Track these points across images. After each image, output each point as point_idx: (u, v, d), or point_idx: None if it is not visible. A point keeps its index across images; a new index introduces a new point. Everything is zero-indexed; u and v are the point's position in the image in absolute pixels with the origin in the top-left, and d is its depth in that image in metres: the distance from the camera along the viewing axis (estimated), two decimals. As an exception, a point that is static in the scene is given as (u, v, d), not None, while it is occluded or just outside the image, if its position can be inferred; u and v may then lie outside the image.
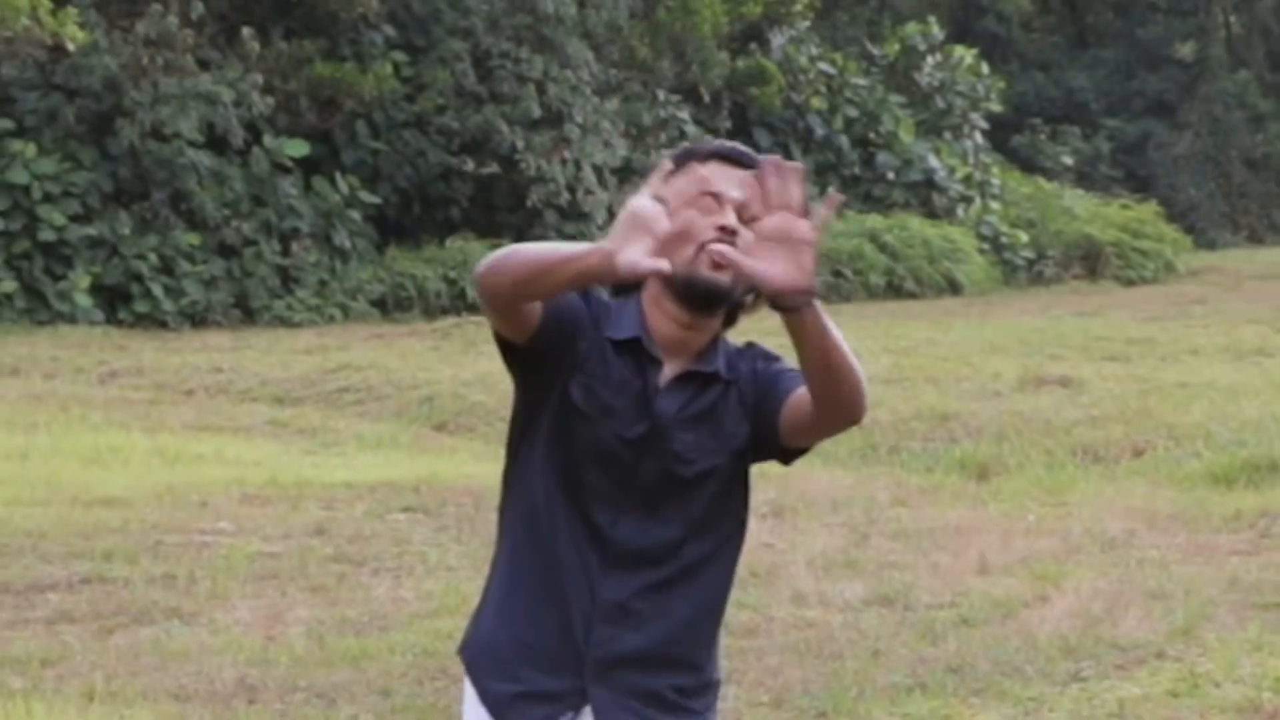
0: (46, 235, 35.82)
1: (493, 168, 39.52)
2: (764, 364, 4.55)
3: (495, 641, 4.53)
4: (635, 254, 4.00)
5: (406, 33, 40.81)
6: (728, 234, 4.33)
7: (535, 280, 4.21)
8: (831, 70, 49.34)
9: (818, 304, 4.17)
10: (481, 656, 4.55)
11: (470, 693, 4.55)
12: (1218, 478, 16.37)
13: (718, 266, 4.32)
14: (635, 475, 4.46)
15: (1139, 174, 63.69)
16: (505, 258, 4.25)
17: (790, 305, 4.12)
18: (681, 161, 4.50)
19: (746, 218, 4.33)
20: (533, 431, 4.56)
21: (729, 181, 4.43)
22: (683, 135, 44.71)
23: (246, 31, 38.27)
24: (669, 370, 4.49)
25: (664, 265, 4.00)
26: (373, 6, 39.60)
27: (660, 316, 4.48)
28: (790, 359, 4.46)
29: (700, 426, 4.48)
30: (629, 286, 4.49)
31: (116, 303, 36.32)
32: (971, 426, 19.24)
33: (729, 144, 4.58)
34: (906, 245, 45.30)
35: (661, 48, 44.15)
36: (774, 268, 4.08)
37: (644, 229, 4.03)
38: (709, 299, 4.41)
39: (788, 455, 4.58)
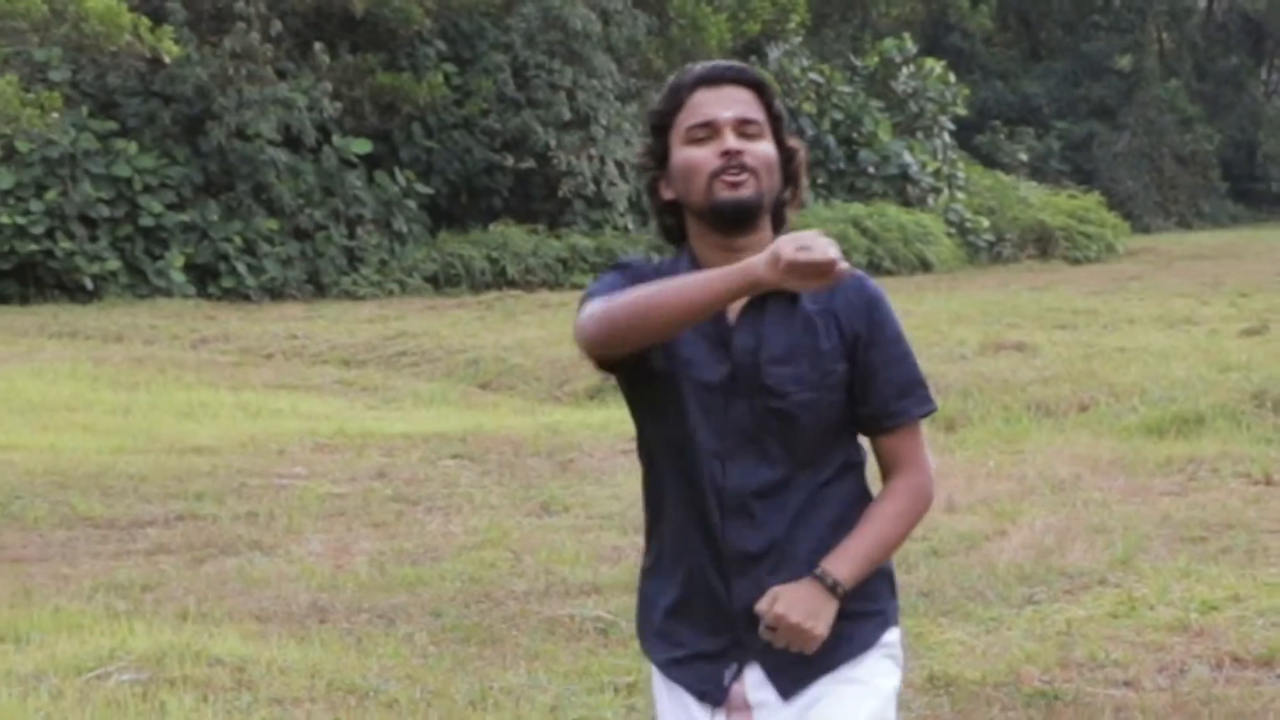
0: (146, 221, 35.89)
1: (529, 163, 39.55)
2: (878, 320, 3.95)
3: (651, 615, 4.06)
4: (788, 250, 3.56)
5: (455, 47, 40.82)
6: (732, 156, 3.83)
7: (681, 325, 3.75)
8: (820, 79, 49.28)
9: (853, 561, 3.95)
10: (646, 631, 4.09)
11: (653, 671, 4.13)
12: (1151, 429, 16.33)
13: (733, 186, 3.81)
14: (728, 417, 3.87)
15: (1084, 168, 63.62)
16: (623, 320, 3.74)
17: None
18: (673, 99, 3.92)
19: (747, 133, 3.86)
20: (638, 406, 4.00)
21: (718, 104, 3.87)
22: (692, 135, 44.72)
23: (318, 46, 38.28)
24: (736, 303, 3.83)
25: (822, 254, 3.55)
26: (426, 24, 39.64)
27: (708, 251, 3.90)
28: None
29: (792, 359, 3.87)
30: (674, 232, 3.99)
31: (206, 279, 36.38)
32: (940, 385, 19.18)
33: (710, 65, 3.98)
34: (884, 230, 45.32)
35: (674, 59, 43.99)
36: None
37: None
38: (738, 216, 3.84)
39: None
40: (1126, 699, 7.82)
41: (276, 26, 37.56)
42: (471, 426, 16.75)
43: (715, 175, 3.82)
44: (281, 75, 37.84)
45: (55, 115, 29.31)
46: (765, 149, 3.88)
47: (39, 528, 12.26)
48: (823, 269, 3.55)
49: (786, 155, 3.94)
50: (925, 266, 45.08)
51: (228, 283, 36.40)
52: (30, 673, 8.05)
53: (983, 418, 17.47)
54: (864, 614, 4.01)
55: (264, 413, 18.54)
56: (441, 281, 37.87)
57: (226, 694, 7.81)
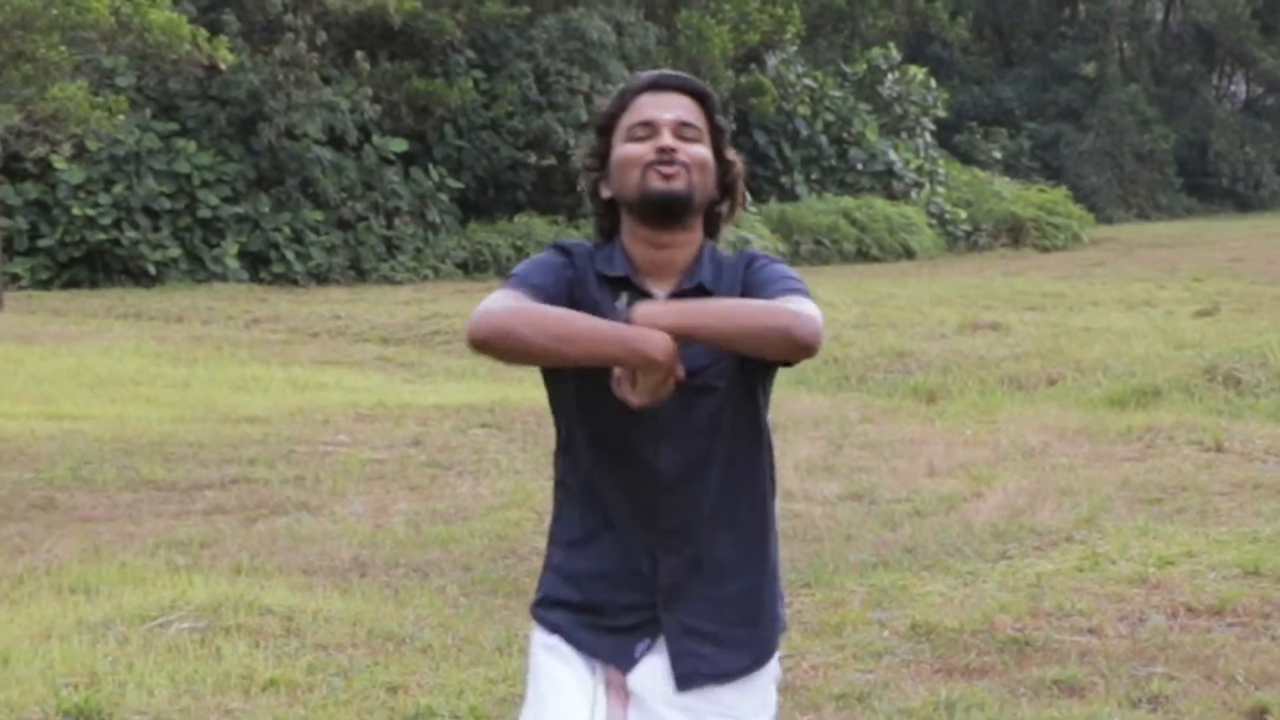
0: (204, 213, 35.90)
1: (550, 161, 39.50)
2: (754, 268, 3.70)
3: (567, 585, 3.75)
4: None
5: (484, 55, 40.80)
6: (665, 152, 3.59)
7: (566, 356, 3.50)
8: (813, 84, 49.24)
9: (683, 310, 3.46)
10: (553, 599, 3.77)
11: (537, 640, 3.79)
12: (1113, 401, 16.32)
13: (665, 178, 3.57)
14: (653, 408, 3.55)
15: (1052, 165, 63.55)
16: (520, 344, 3.51)
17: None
18: (619, 102, 3.70)
19: (685, 136, 3.63)
20: (562, 397, 3.76)
21: (661, 107, 3.64)
22: (697, 135, 44.72)
23: (359, 54, 38.29)
24: (659, 296, 3.62)
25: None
26: (457, 35, 39.64)
27: (637, 245, 3.66)
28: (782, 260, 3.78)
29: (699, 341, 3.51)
30: (610, 232, 3.72)
31: (258, 265, 36.39)
32: (922, 361, 19.19)
33: (659, 73, 3.76)
34: (872, 221, 45.39)
35: (681, 67, 43.92)
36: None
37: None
38: (666, 208, 3.60)
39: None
40: (1090, 645, 7.81)
41: (322, 37, 37.61)
42: (498, 399, 16.75)
43: (649, 166, 3.61)
44: (326, 81, 37.86)
45: (121, 117, 29.34)
46: (700, 151, 3.66)
47: (107, 490, 12.27)
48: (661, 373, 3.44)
49: (724, 167, 3.72)
50: (909, 254, 45.11)
51: (277, 269, 36.42)
52: (99, 621, 8.05)
53: (960, 391, 17.46)
54: (761, 620, 3.74)
55: (310, 386, 18.54)
56: (471, 267, 37.90)
57: (276, 640, 7.81)
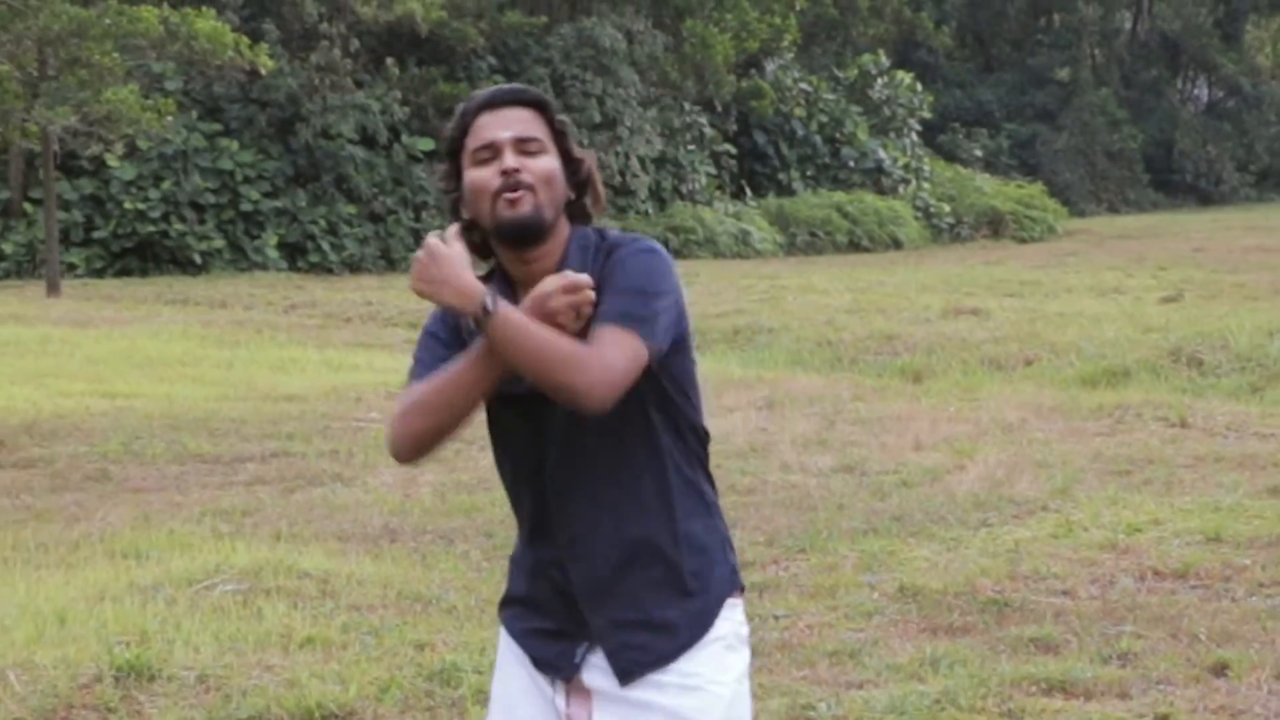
0: (246, 207, 35.95)
1: (565, 158, 39.52)
2: (612, 261, 3.35)
3: (514, 589, 3.56)
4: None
5: (504, 61, 40.78)
6: (510, 175, 3.32)
7: (475, 405, 3.33)
8: (809, 88, 49.24)
9: (505, 318, 3.19)
10: (505, 602, 3.61)
11: (502, 638, 3.61)
12: (1085, 381, 16.30)
13: (511, 204, 3.31)
14: (545, 410, 3.34)
15: (1029, 163, 63.54)
16: (423, 430, 3.34)
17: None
18: (460, 125, 3.42)
19: (528, 150, 3.36)
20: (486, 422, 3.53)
21: (499, 126, 3.36)
22: (702, 135, 44.68)
23: (389, 60, 38.34)
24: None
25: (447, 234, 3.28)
26: (480, 42, 39.68)
27: (510, 263, 3.41)
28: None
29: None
30: (485, 255, 3.46)
31: (296, 255, 36.43)
32: (909, 344, 19.16)
33: (493, 90, 3.47)
34: (862, 214, 45.42)
35: (687, 72, 44.03)
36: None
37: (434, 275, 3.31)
38: (521, 234, 3.33)
39: None
40: (1064, 605, 7.81)
41: (354, 44, 37.64)
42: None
43: (497, 194, 3.33)
44: (359, 85, 37.87)
45: (170, 118, 29.33)
46: (544, 163, 3.37)
47: (156, 463, 12.28)
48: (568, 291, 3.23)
49: (573, 167, 3.42)
50: (896, 245, 45.11)
51: (314, 258, 36.44)
52: (149, 584, 8.06)
53: (944, 371, 17.44)
54: (691, 593, 3.41)
55: (344, 367, 18.54)
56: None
57: (313, 602, 7.81)
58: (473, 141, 3.39)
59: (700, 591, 3.41)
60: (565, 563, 3.41)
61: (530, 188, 3.34)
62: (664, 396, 3.40)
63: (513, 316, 3.19)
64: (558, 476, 3.39)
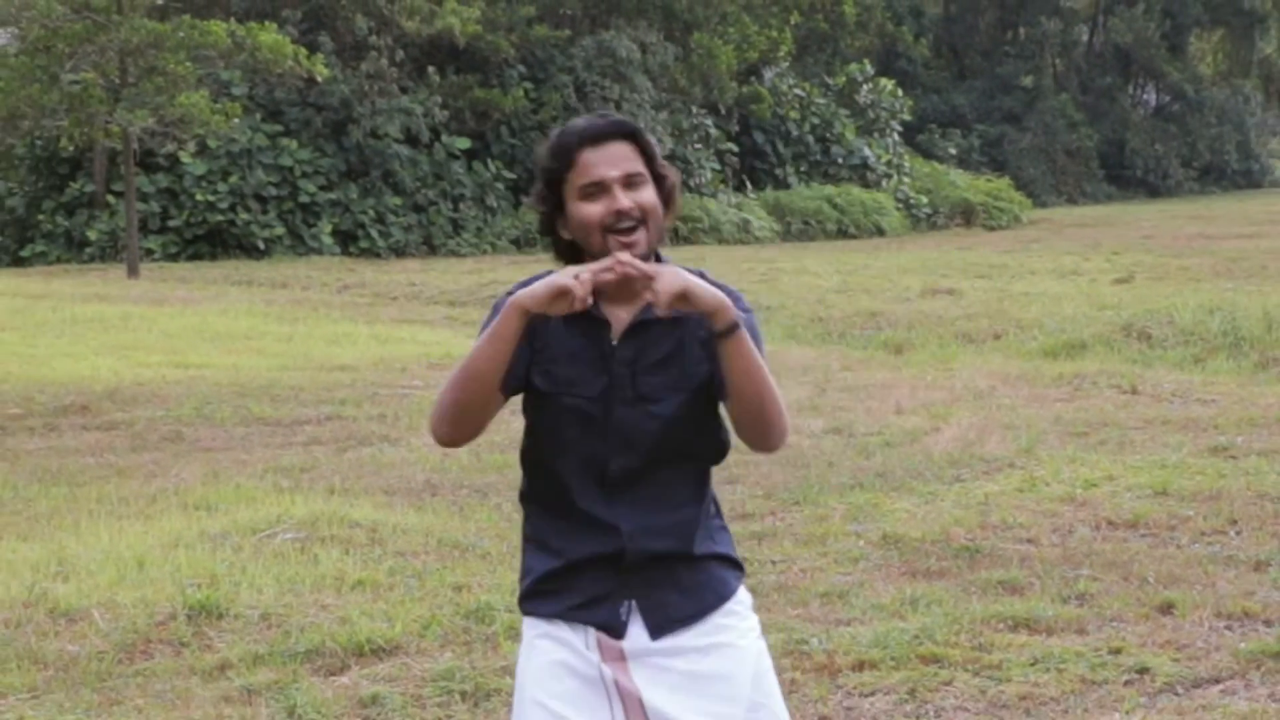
0: (304, 199, 35.94)
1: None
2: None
3: (541, 577, 3.29)
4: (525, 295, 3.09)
5: (532, 70, 40.72)
6: (622, 216, 3.16)
7: (496, 375, 3.20)
8: (802, 94, 49.15)
9: (745, 334, 3.08)
10: (533, 592, 3.31)
11: (529, 637, 3.32)
12: (1047, 352, 16.27)
13: (627, 246, 3.15)
14: (609, 423, 3.20)
15: (997, 159, 63.33)
16: (455, 410, 3.24)
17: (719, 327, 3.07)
18: (563, 159, 3.21)
19: (634, 184, 3.20)
20: (528, 416, 3.39)
21: (606, 164, 3.19)
22: (708, 135, 44.65)
23: (430, 69, 38.33)
24: (618, 326, 3.21)
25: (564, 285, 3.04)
26: (511, 53, 39.60)
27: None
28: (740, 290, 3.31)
29: (663, 369, 3.21)
30: (572, 262, 3.25)
31: (348, 241, 36.43)
32: (891, 320, 19.13)
33: (589, 123, 3.26)
34: (850, 205, 45.37)
35: (694, 79, 43.94)
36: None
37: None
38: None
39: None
40: (1029, 552, 7.79)
41: (400, 55, 37.61)
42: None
43: (608, 230, 3.16)
44: (404, 91, 37.83)
45: (236, 120, 29.34)
46: (648, 196, 3.21)
47: (224, 425, 12.28)
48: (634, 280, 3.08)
49: (661, 183, 3.26)
50: (880, 233, 45.07)
51: (364, 244, 36.43)
52: (218, 533, 8.06)
53: (922, 344, 17.42)
54: (725, 559, 3.35)
55: (390, 340, 18.54)
56: (523, 243, 37.84)
57: (363, 549, 7.82)
58: (579, 178, 3.19)
59: (723, 565, 3.34)
60: (607, 545, 3.24)
61: (642, 222, 3.19)
62: (720, 423, 3.34)
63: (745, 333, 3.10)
64: (618, 479, 3.24)
